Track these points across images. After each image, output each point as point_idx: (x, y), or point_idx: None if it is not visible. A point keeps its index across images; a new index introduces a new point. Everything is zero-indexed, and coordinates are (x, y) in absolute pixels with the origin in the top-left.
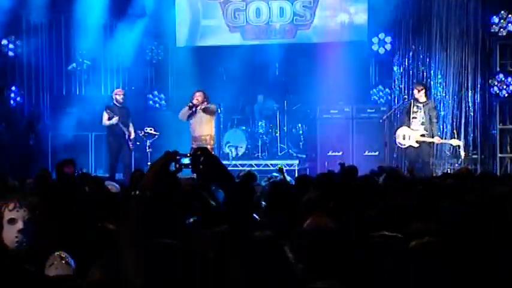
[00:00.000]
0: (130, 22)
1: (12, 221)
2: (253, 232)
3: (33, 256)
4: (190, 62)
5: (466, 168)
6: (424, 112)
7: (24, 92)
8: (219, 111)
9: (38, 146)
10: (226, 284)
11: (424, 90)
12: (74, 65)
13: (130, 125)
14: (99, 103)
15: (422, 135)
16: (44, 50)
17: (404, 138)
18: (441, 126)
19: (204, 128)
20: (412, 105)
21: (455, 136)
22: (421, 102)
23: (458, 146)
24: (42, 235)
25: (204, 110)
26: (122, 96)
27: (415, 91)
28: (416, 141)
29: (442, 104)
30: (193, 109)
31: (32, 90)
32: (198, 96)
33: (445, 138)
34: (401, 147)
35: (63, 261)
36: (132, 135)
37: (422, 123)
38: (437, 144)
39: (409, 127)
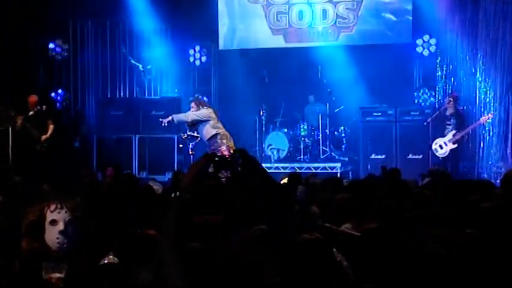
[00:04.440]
0: (173, 26)
1: (53, 222)
2: (297, 233)
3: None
4: (232, 64)
5: None
6: (456, 118)
7: (70, 95)
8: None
9: (83, 148)
10: (265, 284)
11: (453, 102)
12: (140, 67)
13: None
14: (142, 106)
15: (455, 135)
16: (90, 53)
17: (442, 147)
18: (488, 128)
19: (205, 132)
20: (445, 115)
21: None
22: (453, 111)
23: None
24: (83, 237)
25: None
26: (31, 103)
27: (449, 103)
28: (453, 143)
29: (487, 108)
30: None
31: (78, 93)
32: (192, 107)
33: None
34: (443, 156)
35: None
36: (43, 138)
37: (455, 128)
38: (482, 147)
39: (442, 136)
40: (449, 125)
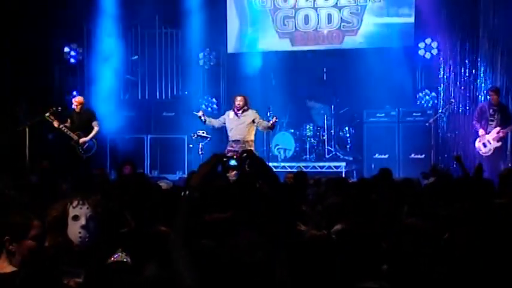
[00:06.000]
0: (183, 29)
1: (75, 218)
2: (302, 231)
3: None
4: (240, 67)
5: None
6: (500, 114)
7: (84, 97)
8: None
9: (96, 149)
10: (274, 283)
11: (497, 95)
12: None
13: (95, 128)
14: (154, 107)
15: (499, 132)
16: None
17: (485, 146)
18: None
19: (248, 132)
20: (488, 109)
21: None
22: (496, 105)
23: None
24: (104, 232)
25: (268, 127)
26: (76, 103)
27: (493, 96)
28: (498, 141)
29: None
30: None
31: (91, 95)
32: (240, 101)
33: None
34: (487, 155)
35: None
36: (81, 140)
37: (500, 125)
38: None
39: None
40: (493, 120)
